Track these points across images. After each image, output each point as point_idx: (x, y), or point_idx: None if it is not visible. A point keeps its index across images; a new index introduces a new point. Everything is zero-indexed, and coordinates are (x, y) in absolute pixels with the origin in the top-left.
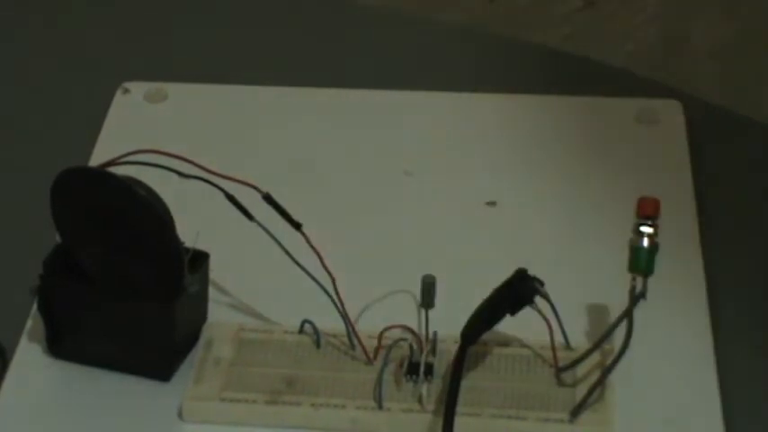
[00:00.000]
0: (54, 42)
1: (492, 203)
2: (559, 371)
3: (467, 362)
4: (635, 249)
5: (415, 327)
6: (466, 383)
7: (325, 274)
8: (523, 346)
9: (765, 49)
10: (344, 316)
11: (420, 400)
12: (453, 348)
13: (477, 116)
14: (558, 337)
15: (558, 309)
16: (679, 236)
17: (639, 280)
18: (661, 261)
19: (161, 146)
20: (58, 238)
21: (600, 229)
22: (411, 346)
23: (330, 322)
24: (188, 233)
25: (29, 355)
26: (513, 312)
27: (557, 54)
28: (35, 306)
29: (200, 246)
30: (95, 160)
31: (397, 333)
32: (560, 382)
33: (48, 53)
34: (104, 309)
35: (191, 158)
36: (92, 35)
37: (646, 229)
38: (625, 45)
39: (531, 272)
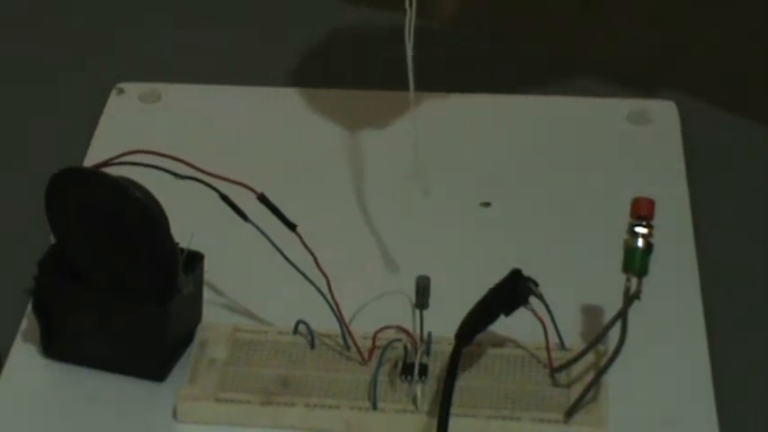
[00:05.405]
0: (49, 43)
1: (486, 204)
2: (554, 371)
3: (461, 362)
4: (629, 250)
5: (409, 327)
6: (460, 384)
7: (320, 274)
8: (518, 346)
9: (761, 49)
10: (339, 316)
11: (414, 401)
12: (448, 349)
13: (472, 116)
14: (553, 338)
15: (552, 309)
16: (674, 236)
17: (634, 280)
18: (655, 262)
19: (155, 146)
20: (52, 239)
21: (594, 230)
22: (405, 347)
23: (324, 323)
24: (182, 234)
25: (23, 355)
26: (507, 313)
27: (555, 54)
28: (29, 307)
29: (195, 246)
30: (90, 161)
31: (391, 334)
32: (555, 383)
33: (42, 53)
34: (99, 309)
35: (185, 159)
36: (87, 35)
37: (640, 230)
38: (623, 45)
39: (526, 272)
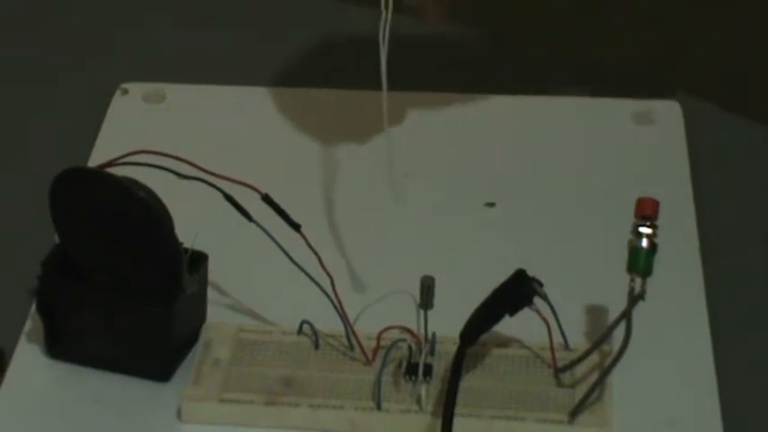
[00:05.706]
0: (52, 43)
1: (491, 204)
2: (558, 371)
3: (466, 362)
4: (634, 250)
5: (413, 327)
6: (465, 384)
7: (324, 274)
8: (522, 346)
9: (761, 49)
10: (343, 317)
11: (419, 401)
12: (452, 349)
13: (475, 117)
14: (557, 338)
15: (556, 309)
16: (678, 237)
17: (638, 281)
18: (660, 262)
19: (160, 146)
20: (56, 239)
21: (599, 230)
22: (410, 347)
23: (329, 323)
24: (187, 234)
25: (28, 356)
26: (512, 313)
27: (556, 54)
28: (34, 307)
29: (199, 246)
30: (94, 161)
31: (395, 334)
32: (559, 383)
33: (46, 54)
34: (103, 309)
35: (189, 159)
36: (90, 36)
37: (644, 230)
38: (623, 45)
39: (530, 272)
